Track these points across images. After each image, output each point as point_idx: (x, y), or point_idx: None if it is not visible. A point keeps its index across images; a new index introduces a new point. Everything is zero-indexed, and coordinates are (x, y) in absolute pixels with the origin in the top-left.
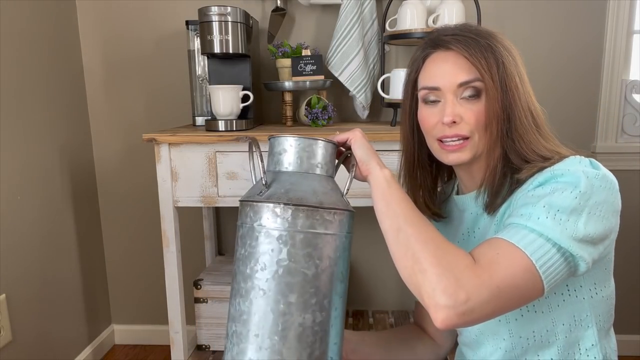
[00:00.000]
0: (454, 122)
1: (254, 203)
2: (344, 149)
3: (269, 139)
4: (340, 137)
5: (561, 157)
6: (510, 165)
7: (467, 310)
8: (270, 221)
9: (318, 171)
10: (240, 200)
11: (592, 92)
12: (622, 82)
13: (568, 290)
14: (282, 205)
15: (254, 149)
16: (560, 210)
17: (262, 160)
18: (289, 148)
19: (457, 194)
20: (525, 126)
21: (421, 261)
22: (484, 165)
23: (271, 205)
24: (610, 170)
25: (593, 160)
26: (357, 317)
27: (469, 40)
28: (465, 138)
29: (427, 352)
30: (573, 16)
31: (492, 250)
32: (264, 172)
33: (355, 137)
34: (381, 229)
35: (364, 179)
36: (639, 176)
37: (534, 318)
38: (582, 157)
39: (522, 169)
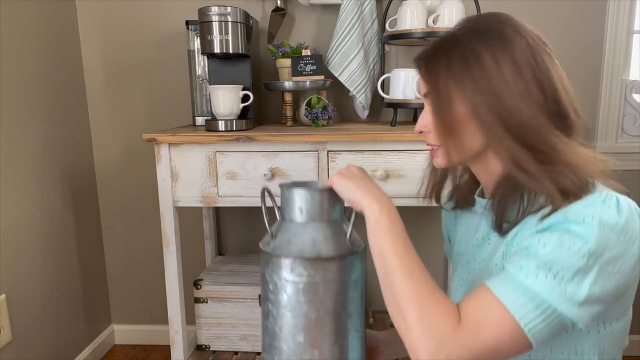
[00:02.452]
0: (421, 131)
1: (264, 252)
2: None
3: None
4: (327, 183)
5: (584, 189)
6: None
7: None
8: (275, 271)
9: (319, 218)
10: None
11: (592, 92)
12: (622, 82)
13: None
14: (282, 258)
15: (265, 195)
16: (563, 268)
17: (266, 214)
18: (290, 199)
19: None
20: (505, 144)
21: (406, 316)
22: (484, 173)
23: (273, 257)
24: (610, 171)
25: (622, 199)
26: None
27: (430, 51)
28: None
29: None
30: (573, 16)
31: (480, 309)
32: (269, 225)
33: (333, 182)
34: None
35: None
36: (639, 176)
37: None
38: (610, 193)
39: (534, 191)
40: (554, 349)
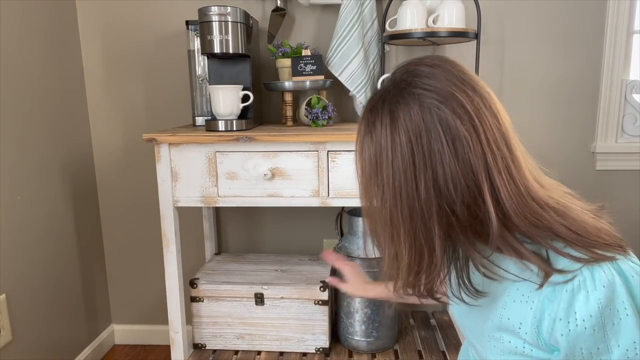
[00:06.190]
0: None
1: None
2: None
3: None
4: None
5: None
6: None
7: None
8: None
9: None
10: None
11: (592, 92)
12: (622, 82)
13: None
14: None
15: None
16: None
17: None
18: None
19: None
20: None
21: None
22: None
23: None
24: (610, 171)
25: (589, 284)
26: None
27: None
28: None
29: None
30: (573, 16)
31: None
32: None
33: None
34: None
35: None
36: (639, 176)
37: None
38: (576, 287)
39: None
40: None
